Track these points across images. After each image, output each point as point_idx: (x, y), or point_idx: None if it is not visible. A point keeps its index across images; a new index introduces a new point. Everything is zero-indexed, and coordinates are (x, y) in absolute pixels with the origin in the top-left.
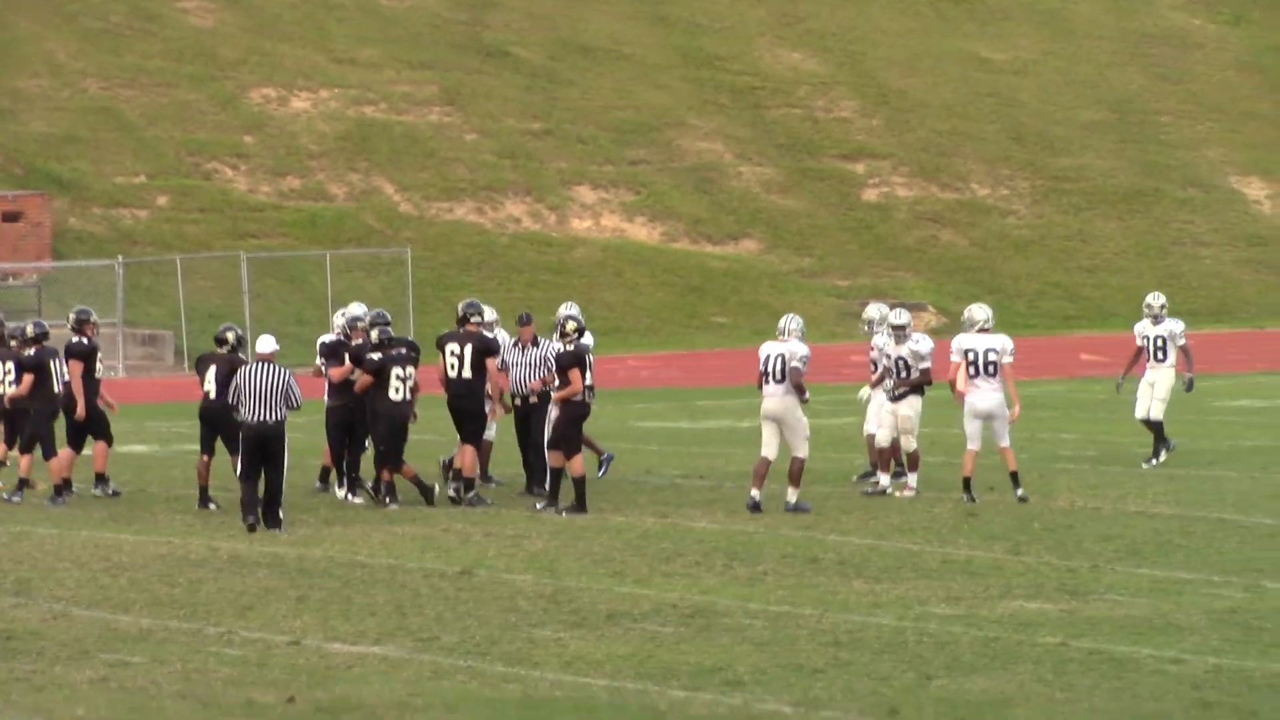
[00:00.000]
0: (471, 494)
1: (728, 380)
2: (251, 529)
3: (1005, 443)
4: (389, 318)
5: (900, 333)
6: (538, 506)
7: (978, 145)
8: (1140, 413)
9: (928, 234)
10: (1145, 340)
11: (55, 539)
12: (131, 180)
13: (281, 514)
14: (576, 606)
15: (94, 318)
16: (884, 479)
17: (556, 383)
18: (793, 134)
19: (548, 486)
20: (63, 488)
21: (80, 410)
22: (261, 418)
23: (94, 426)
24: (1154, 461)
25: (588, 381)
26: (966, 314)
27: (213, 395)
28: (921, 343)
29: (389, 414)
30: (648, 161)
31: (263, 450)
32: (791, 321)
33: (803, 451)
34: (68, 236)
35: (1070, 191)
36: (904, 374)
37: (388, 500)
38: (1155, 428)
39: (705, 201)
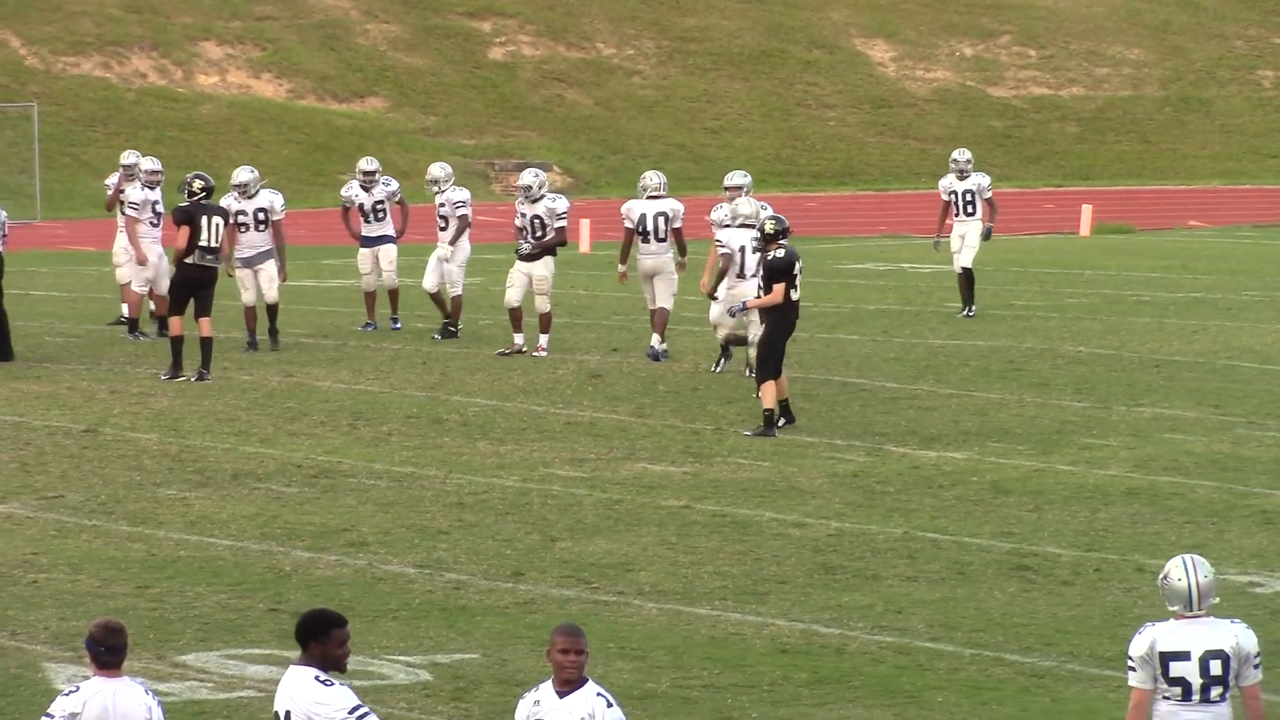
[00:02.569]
0: None
1: (352, 239)
2: None
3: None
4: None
5: (529, 192)
6: (162, 377)
7: (604, 5)
8: (959, 267)
9: (553, 93)
10: (952, 195)
11: None
12: None
13: None
14: (201, 466)
15: None
16: (518, 339)
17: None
18: None
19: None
20: None
21: None
22: None
23: None
24: (969, 311)
25: (201, 242)
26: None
27: None
28: (558, 201)
29: None
30: (274, 17)
31: None
32: (658, 178)
33: (669, 303)
34: None
35: (695, 52)
36: (539, 234)
37: None
38: (966, 276)
39: (332, 59)
